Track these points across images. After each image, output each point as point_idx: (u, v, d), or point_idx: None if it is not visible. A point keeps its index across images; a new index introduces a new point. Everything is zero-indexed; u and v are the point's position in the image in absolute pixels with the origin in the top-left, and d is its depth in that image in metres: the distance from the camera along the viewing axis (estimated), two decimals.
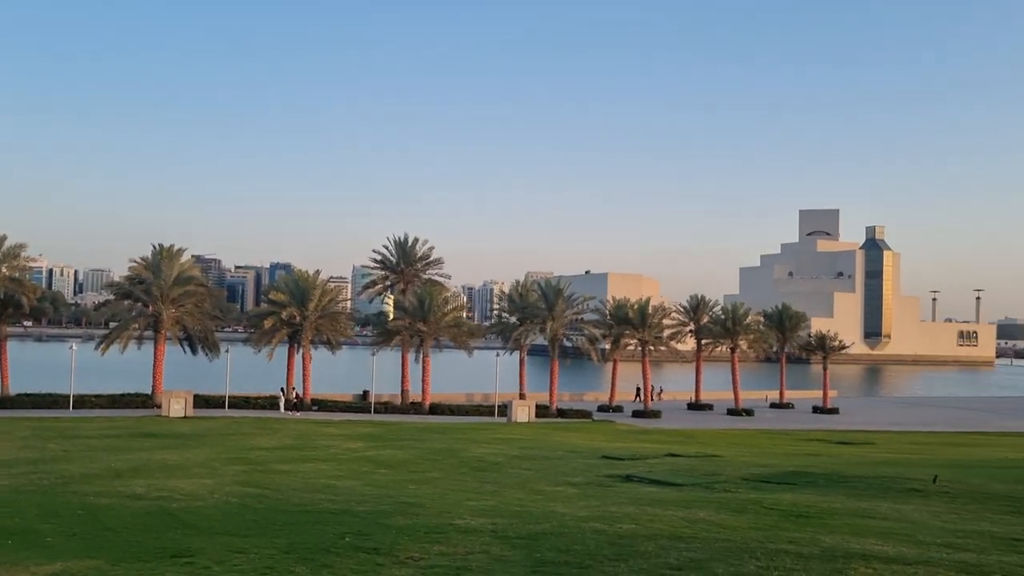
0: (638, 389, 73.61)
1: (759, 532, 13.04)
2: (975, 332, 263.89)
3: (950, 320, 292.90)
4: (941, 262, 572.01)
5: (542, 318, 60.68)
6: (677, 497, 17.49)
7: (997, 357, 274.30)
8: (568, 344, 63.51)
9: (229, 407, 53.51)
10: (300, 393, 56.25)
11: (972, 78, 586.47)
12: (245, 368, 69.71)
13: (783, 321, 75.51)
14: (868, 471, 23.16)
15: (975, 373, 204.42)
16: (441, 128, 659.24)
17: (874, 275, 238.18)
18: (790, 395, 78.06)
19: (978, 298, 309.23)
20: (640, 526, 13.53)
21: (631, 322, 65.21)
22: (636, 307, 66.24)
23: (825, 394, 73.00)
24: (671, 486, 19.62)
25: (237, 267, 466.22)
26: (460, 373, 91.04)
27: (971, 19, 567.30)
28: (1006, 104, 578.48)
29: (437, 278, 66.51)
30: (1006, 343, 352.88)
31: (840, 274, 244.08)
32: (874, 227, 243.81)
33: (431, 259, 66.35)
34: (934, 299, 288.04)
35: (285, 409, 54.14)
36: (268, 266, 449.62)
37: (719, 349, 72.32)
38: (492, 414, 56.76)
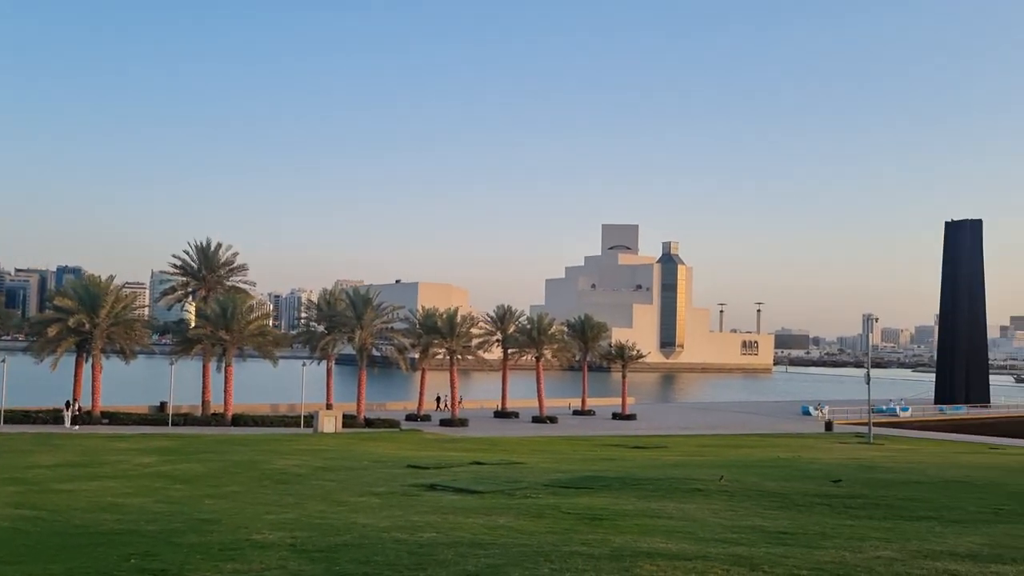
0: (438, 398, 74.48)
1: (555, 536, 13.56)
2: (756, 342, 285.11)
3: (735, 331, 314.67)
4: (728, 276, 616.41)
5: (350, 327, 59.89)
6: (479, 504, 17.83)
7: (774, 365, 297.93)
8: (377, 353, 63.05)
9: (5, 423, 49.11)
10: (82, 405, 52.55)
11: (752, 104, 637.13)
12: (25, 380, 64.23)
13: (585, 331, 78.46)
14: (659, 473, 24.56)
15: (756, 379, 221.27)
16: (244, 130, 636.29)
17: (669, 288, 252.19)
18: (592, 402, 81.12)
19: (759, 310, 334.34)
20: (441, 534, 13.70)
21: (440, 331, 65.65)
22: (445, 316, 66.76)
23: (624, 401, 76.51)
24: (474, 493, 19.96)
25: (18, 270, 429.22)
26: (265, 383, 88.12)
27: (744, 45, 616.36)
28: (783, 130, 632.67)
29: (241, 285, 64.24)
30: (782, 352, 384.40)
31: (639, 286, 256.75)
32: (670, 243, 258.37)
33: (235, 265, 64.03)
34: (721, 311, 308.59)
35: (71, 424, 50.35)
36: (55, 269, 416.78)
37: (525, 358, 74.15)
38: (298, 425, 55.35)
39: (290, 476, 25.99)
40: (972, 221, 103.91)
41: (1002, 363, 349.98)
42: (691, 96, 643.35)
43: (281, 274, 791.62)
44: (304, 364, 58.57)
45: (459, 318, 67.17)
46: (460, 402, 74.67)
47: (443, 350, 66.42)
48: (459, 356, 66.73)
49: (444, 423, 62.23)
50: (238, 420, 55.49)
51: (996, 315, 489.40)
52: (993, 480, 21.59)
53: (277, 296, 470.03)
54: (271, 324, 76.57)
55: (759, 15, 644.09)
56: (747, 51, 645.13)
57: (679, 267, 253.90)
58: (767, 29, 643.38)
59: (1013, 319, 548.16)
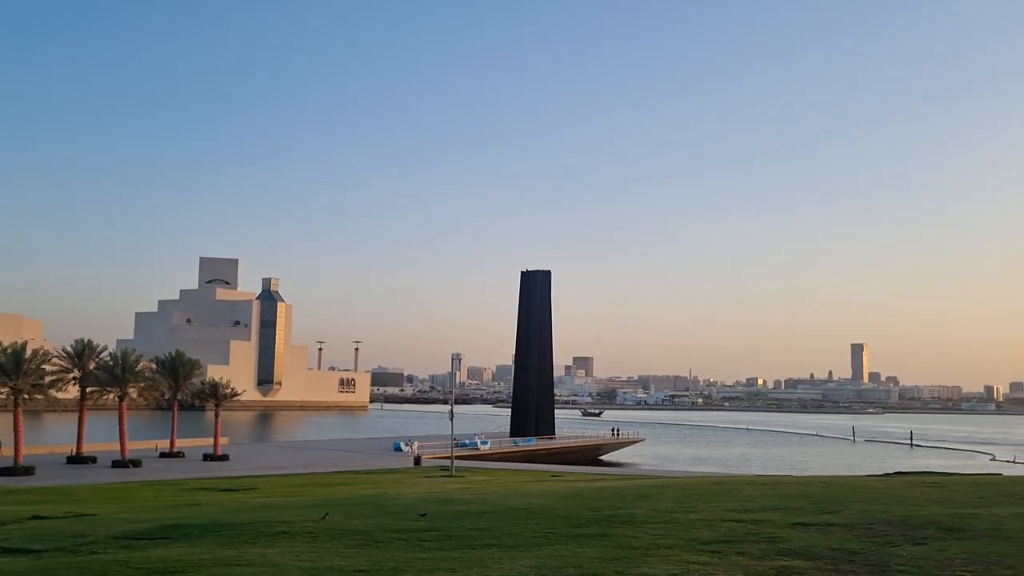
0: None
1: None
2: (354, 379, 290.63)
3: (334, 368, 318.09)
4: (328, 314, 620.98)
5: None
6: (33, 566, 16.05)
7: (371, 402, 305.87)
8: None
9: None
10: None
11: (346, 150, 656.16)
12: None
13: (176, 368, 74.23)
14: (245, 517, 24.01)
15: (352, 417, 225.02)
16: None
17: (268, 325, 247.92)
18: (182, 443, 76.74)
19: (357, 348, 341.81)
20: None
21: (4, 368, 57.81)
22: (10, 352, 58.94)
23: (216, 441, 73.40)
24: (28, 553, 17.90)
25: None
26: None
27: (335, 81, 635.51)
28: (370, 172, 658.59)
29: None
30: (379, 389, 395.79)
31: (237, 322, 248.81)
32: (270, 279, 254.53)
33: None
34: (320, 348, 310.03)
35: None
36: None
37: (107, 397, 67.97)
38: None
39: None
40: (543, 271, 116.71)
41: (566, 399, 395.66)
42: (287, 136, 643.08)
43: None
44: None
45: (28, 353, 59.71)
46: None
47: (6, 389, 58.55)
48: (26, 396, 59.17)
49: (5, 472, 54.70)
50: None
51: (561, 356, 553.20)
52: (549, 506, 24.34)
53: None
54: None
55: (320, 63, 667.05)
56: (333, 91, 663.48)
57: (279, 304, 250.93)
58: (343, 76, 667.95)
59: (575, 359, 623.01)
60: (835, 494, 25.15)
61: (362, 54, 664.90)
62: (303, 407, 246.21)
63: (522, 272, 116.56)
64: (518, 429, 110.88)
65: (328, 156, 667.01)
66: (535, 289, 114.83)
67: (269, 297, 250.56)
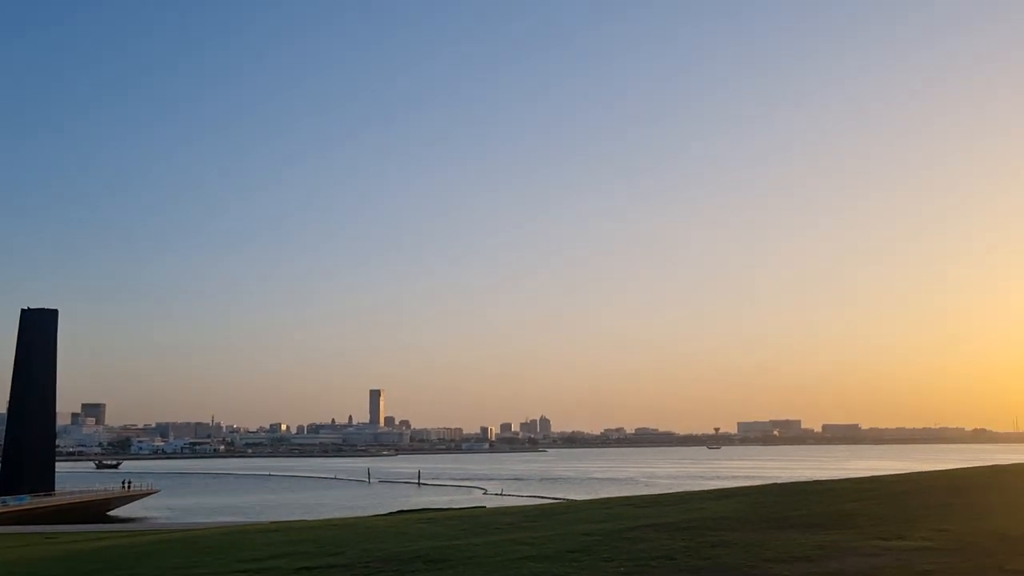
0: None
1: None
2: None
3: None
4: None
5: None
6: None
7: None
8: None
9: None
10: None
11: None
12: None
13: None
14: None
15: None
16: None
17: None
18: None
19: None
20: None
21: None
22: None
23: None
24: None
25: None
26: None
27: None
28: None
29: None
30: None
31: None
32: None
33: None
34: None
35: None
36: None
37: None
38: None
39: None
40: (48, 310, 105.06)
41: (72, 449, 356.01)
42: None
43: None
44: None
45: None
46: None
47: None
48: None
49: None
50: None
51: (68, 403, 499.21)
52: (36, 573, 22.25)
53: None
54: None
55: None
56: None
57: None
58: None
59: (84, 406, 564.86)
60: (340, 535, 26.65)
61: None
62: None
63: (23, 310, 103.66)
64: (10, 487, 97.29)
65: None
66: (38, 330, 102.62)
67: None
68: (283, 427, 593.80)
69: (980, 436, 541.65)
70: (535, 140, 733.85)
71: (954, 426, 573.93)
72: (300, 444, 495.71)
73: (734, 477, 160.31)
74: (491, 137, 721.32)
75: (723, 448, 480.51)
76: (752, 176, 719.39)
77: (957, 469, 39.73)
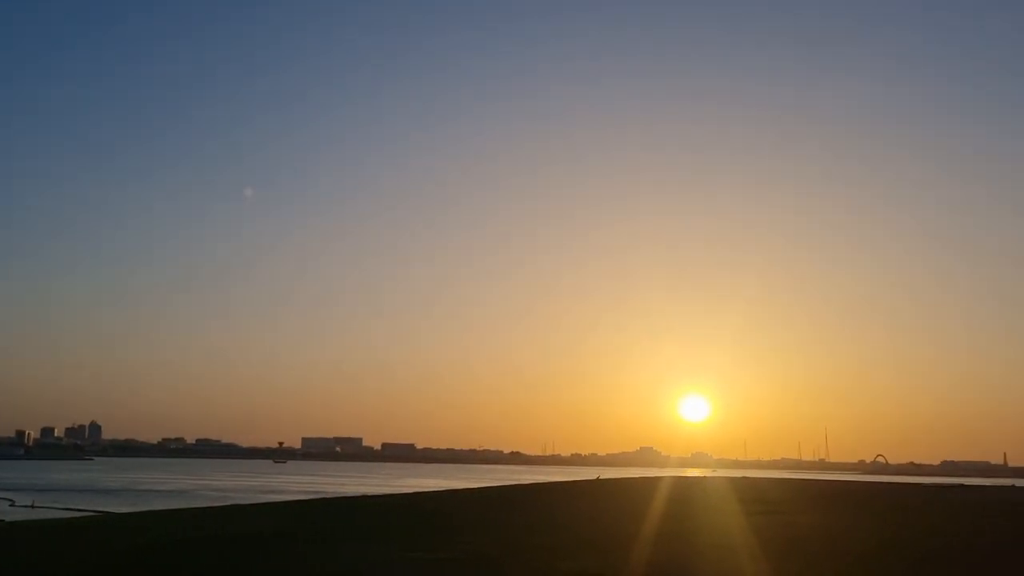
0: None
1: None
2: None
3: None
4: None
5: None
6: None
7: None
8: None
9: None
10: None
11: None
12: None
13: None
14: None
15: None
16: None
17: None
18: None
19: None
20: None
21: None
22: None
23: None
24: None
25: None
26: None
27: None
28: None
29: None
30: None
31: None
32: None
33: None
34: None
35: None
36: None
37: None
38: None
39: None
40: None
41: None
42: None
43: None
44: None
45: None
46: None
47: None
48: None
49: None
50: None
51: None
52: None
53: None
54: None
55: None
56: None
57: None
58: None
59: None
60: None
61: None
62: None
63: None
64: None
65: None
66: None
67: None
68: None
69: (516, 458, 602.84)
70: None
71: (494, 448, 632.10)
72: None
73: (290, 492, 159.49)
74: None
75: (289, 463, 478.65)
76: None
77: (488, 488, 43.84)
